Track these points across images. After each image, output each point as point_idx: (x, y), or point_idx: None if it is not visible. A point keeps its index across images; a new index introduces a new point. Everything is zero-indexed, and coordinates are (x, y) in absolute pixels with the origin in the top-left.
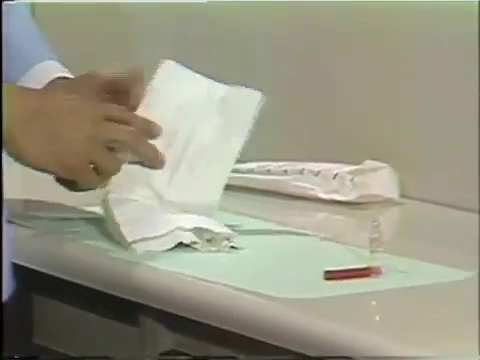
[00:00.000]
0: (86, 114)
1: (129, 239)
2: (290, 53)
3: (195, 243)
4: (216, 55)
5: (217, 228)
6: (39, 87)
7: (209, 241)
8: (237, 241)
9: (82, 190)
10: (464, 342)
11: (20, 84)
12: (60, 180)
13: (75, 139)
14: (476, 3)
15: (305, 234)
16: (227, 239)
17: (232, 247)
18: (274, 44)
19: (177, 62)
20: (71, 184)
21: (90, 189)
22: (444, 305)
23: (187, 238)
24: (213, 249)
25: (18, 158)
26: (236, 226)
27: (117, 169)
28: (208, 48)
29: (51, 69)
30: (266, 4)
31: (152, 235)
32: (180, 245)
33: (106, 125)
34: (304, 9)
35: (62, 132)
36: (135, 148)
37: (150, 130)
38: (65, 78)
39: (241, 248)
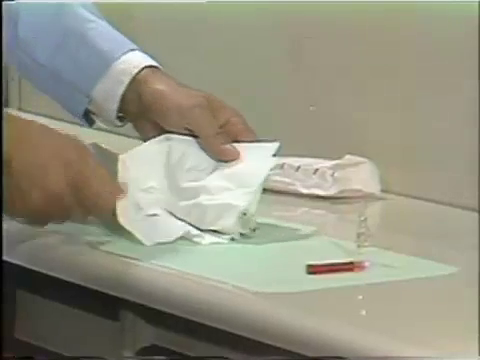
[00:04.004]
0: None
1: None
2: (277, 50)
3: (198, 236)
4: (216, 55)
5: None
6: (126, 81)
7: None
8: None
9: None
10: (452, 339)
11: (100, 85)
12: None
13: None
14: (476, 3)
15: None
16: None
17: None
18: (270, 42)
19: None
20: None
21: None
22: (432, 300)
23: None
24: (211, 240)
25: None
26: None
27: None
28: (208, 48)
29: (132, 62)
30: (266, 4)
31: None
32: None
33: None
34: (302, 9)
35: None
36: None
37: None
38: (152, 67)
39: (249, 237)
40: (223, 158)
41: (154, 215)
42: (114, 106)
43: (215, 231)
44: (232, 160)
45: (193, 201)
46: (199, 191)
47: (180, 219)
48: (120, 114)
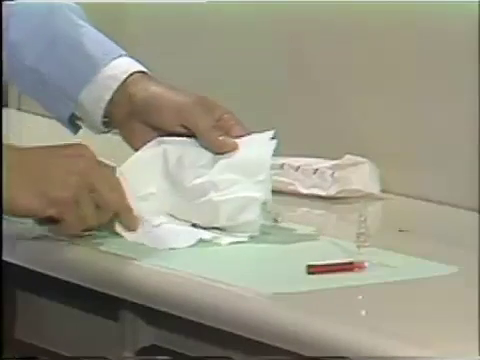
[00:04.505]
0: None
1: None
2: (277, 50)
3: (215, 238)
4: (216, 55)
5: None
6: (114, 86)
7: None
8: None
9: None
10: (452, 339)
11: (88, 89)
12: (42, 223)
13: (61, 174)
14: (476, 3)
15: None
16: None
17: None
18: (270, 42)
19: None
20: (53, 227)
21: (73, 233)
22: (432, 300)
23: (207, 234)
24: (230, 240)
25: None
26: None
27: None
28: (208, 48)
29: (121, 67)
30: (266, 4)
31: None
32: None
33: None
34: (302, 8)
35: (47, 169)
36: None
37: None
38: (141, 72)
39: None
40: (223, 150)
41: (160, 225)
42: (100, 111)
43: (220, 229)
44: (231, 151)
45: (203, 199)
46: (206, 188)
47: (190, 222)
48: (106, 119)
